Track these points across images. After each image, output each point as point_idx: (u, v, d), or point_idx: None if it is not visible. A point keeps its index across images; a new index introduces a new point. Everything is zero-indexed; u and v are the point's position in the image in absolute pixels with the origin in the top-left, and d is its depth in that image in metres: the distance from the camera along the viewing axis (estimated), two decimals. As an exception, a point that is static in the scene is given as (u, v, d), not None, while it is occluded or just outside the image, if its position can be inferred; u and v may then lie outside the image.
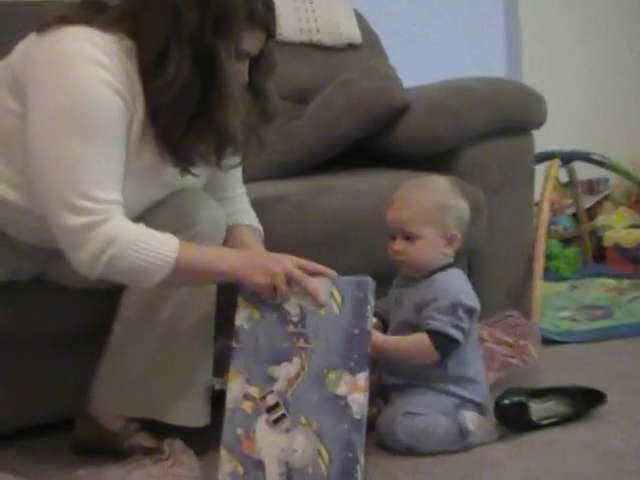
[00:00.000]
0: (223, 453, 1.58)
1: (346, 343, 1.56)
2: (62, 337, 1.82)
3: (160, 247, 1.54)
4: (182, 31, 1.51)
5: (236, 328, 1.62)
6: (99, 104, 1.50)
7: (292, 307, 1.60)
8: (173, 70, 1.51)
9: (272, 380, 1.57)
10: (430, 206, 1.71)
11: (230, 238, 1.79)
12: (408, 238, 1.70)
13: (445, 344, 1.65)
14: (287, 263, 1.58)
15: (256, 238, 1.84)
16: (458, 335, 1.65)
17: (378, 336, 1.64)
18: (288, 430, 1.55)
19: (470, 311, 1.67)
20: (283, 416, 1.56)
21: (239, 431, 1.57)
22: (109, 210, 1.52)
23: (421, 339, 1.65)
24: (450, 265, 1.75)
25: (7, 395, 1.82)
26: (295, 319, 1.59)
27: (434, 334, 1.64)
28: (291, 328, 1.59)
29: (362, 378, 1.54)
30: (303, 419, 1.54)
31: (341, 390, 1.54)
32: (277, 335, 1.60)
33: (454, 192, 1.76)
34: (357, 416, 1.53)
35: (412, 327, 1.69)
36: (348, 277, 1.60)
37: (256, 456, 1.56)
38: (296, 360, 1.58)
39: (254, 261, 1.60)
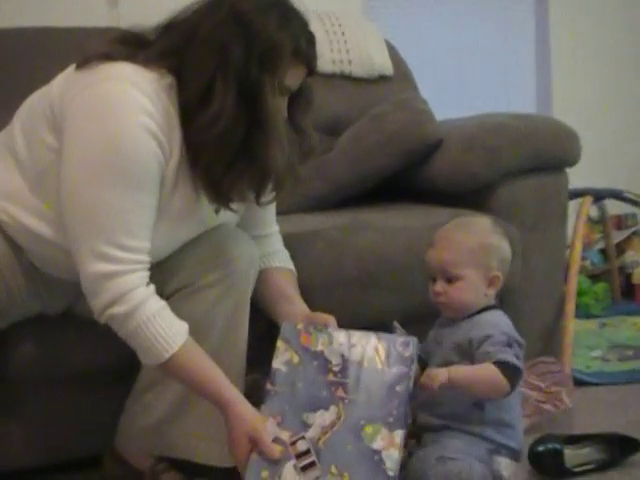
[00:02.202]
0: None
1: (387, 399, 1.54)
2: (91, 373, 1.80)
3: (166, 335, 1.51)
4: (228, 66, 1.49)
5: (273, 371, 1.59)
6: (138, 153, 1.48)
7: (334, 356, 1.58)
8: (218, 106, 1.49)
9: (305, 426, 1.54)
10: (473, 247, 1.68)
11: (264, 283, 1.77)
12: (449, 280, 1.68)
13: (514, 374, 1.60)
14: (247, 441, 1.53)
15: (290, 282, 1.81)
16: (521, 365, 1.61)
17: (441, 371, 1.59)
18: (317, 479, 1.51)
19: (522, 346, 1.64)
20: (313, 463, 1.51)
21: (264, 474, 1.52)
22: (135, 261, 1.50)
23: (491, 369, 1.59)
24: (492, 307, 1.71)
25: (36, 431, 1.81)
26: (336, 368, 1.57)
27: (503, 365, 1.59)
28: (331, 377, 1.57)
29: (399, 435, 1.51)
30: (334, 469, 1.50)
31: (377, 444, 1.51)
32: (316, 382, 1.57)
33: (497, 233, 1.74)
34: (391, 473, 1.49)
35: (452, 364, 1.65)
36: (394, 335, 1.62)
37: None
38: (333, 409, 1.55)
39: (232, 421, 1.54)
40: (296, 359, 1.59)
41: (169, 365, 1.53)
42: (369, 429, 1.52)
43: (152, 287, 1.54)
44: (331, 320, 1.68)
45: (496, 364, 1.59)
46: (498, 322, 1.67)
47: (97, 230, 1.49)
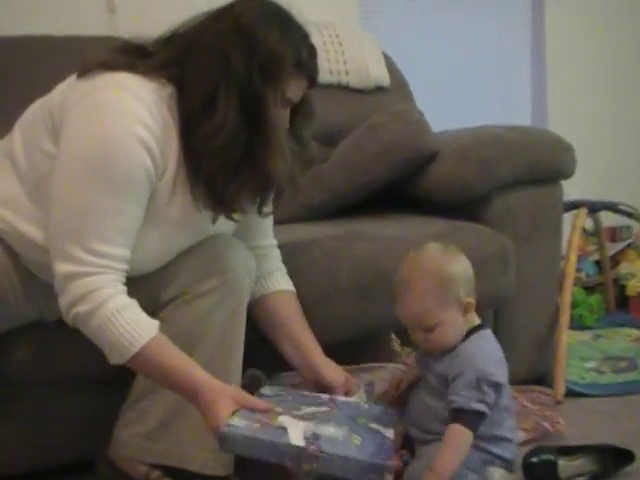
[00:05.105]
0: (236, 417, 1.42)
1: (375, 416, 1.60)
2: (87, 378, 1.80)
3: (132, 330, 1.49)
4: (230, 77, 1.50)
5: (258, 394, 1.60)
6: (125, 162, 1.48)
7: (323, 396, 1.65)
8: (221, 116, 1.50)
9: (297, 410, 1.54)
10: (436, 289, 1.61)
11: (266, 314, 1.80)
12: (428, 329, 1.64)
13: (472, 419, 1.58)
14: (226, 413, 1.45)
15: (292, 310, 1.82)
16: (483, 408, 1.58)
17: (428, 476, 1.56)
18: (315, 423, 1.48)
19: (495, 385, 1.59)
20: (309, 418, 1.50)
21: (258, 416, 1.46)
22: (103, 265, 1.50)
23: (455, 432, 1.57)
24: (475, 329, 1.67)
25: (31, 435, 1.81)
26: (324, 398, 1.63)
27: (460, 412, 1.58)
28: (321, 399, 1.62)
29: (391, 432, 1.55)
30: (333, 423, 1.49)
31: (372, 426, 1.55)
32: (305, 397, 1.61)
33: (450, 255, 1.67)
34: (390, 435, 1.52)
35: (436, 394, 1.65)
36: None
37: (277, 424, 1.44)
38: (325, 407, 1.56)
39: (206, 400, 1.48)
40: (284, 392, 1.62)
41: (137, 361, 1.50)
42: (362, 420, 1.55)
43: (121, 288, 1.52)
44: (337, 389, 1.72)
45: (454, 411, 1.57)
46: (475, 355, 1.62)
47: (70, 231, 1.50)
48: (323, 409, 1.55)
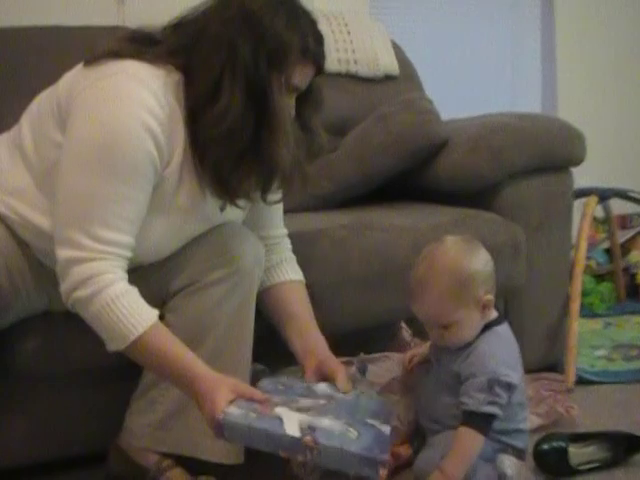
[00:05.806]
0: (233, 406, 1.43)
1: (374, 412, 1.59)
2: (97, 369, 1.80)
3: (131, 316, 1.49)
4: (236, 64, 1.51)
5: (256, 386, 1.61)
6: (131, 148, 1.49)
7: (320, 389, 1.63)
8: (226, 102, 1.50)
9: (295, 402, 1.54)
10: (455, 289, 1.57)
11: (275, 304, 1.79)
12: (445, 327, 1.62)
13: (483, 421, 1.58)
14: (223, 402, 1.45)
15: (301, 300, 1.81)
16: (494, 410, 1.57)
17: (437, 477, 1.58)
18: (312, 415, 1.48)
19: (508, 385, 1.59)
20: (306, 411, 1.49)
21: (255, 406, 1.46)
22: (105, 251, 1.50)
23: (465, 435, 1.57)
24: (492, 323, 1.65)
25: (41, 427, 1.81)
26: (321, 393, 1.61)
27: (471, 415, 1.58)
28: (318, 393, 1.60)
29: (388, 429, 1.54)
30: (330, 416, 1.49)
31: (369, 421, 1.53)
32: (303, 390, 1.60)
33: (470, 251, 1.62)
34: (386, 431, 1.51)
35: (447, 389, 1.65)
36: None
37: (274, 415, 1.45)
38: (322, 401, 1.56)
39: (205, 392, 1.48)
40: (281, 386, 1.62)
41: (135, 348, 1.50)
42: (360, 414, 1.54)
43: (121, 274, 1.52)
44: (340, 373, 1.68)
45: (465, 414, 1.58)
46: (488, 356, 1.60)
47: (74, 217, 1.50)
48: (321, 402, 1.55)
